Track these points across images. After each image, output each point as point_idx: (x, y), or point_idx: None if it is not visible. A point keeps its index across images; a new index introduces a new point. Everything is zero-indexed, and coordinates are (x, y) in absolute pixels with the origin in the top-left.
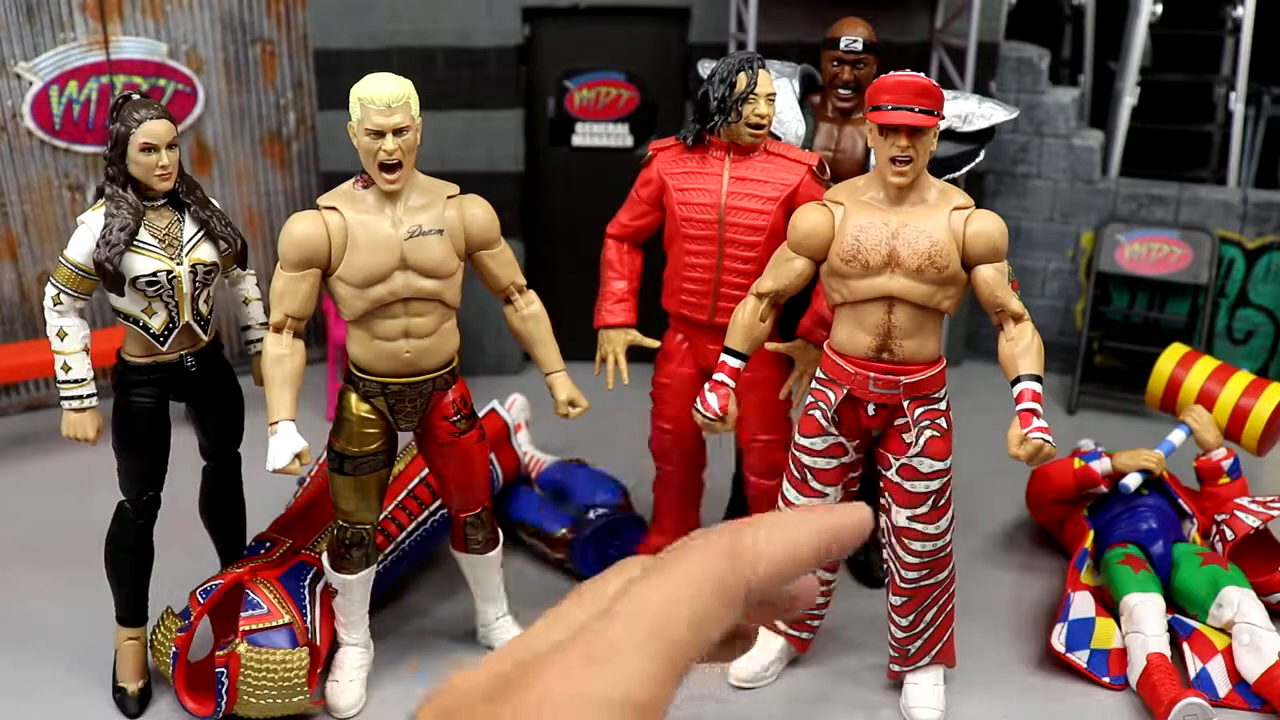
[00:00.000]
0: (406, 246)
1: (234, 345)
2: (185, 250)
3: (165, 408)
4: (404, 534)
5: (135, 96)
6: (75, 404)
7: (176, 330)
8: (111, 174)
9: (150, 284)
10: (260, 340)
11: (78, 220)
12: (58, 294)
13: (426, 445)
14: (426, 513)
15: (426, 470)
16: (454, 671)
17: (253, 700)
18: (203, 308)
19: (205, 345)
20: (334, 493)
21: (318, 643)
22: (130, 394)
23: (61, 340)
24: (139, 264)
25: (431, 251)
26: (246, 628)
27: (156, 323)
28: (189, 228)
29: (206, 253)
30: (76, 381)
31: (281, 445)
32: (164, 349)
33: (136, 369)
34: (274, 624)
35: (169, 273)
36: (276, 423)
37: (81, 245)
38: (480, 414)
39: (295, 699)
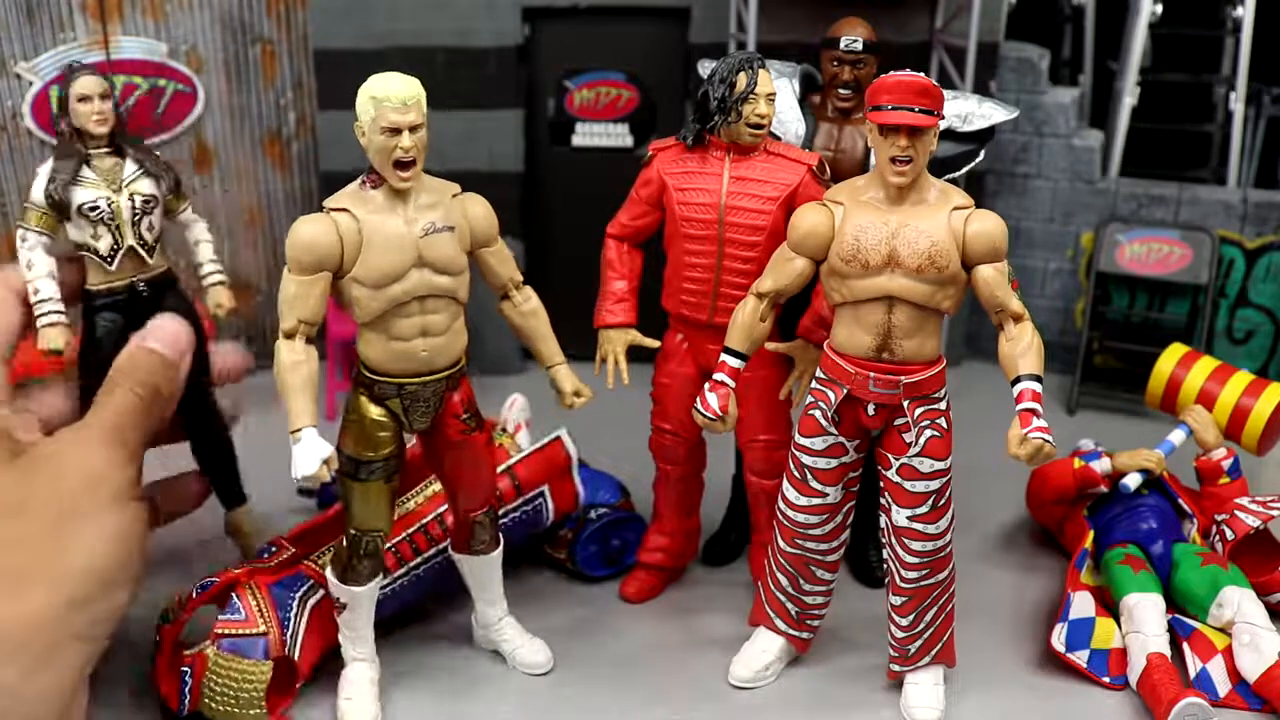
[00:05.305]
0: (422, 244)
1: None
2: (125, 184)
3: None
4: (418, 559)
5: (75, 66)
6: (46, 319)
7: (122, 252)
8: (61, 128)
9: (92, 209)
10: (214, 274)
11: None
12: (23, 232)
13: (436, 446)
14: (435, 549)
15: (441, 509)
16: None
17: (213, 705)
18: (146, 235)
19: (158, 275)
20: (345, 499)
21: (295, 657)
22: (94, 318)
23: (30, 270)
24: (81, 194)
25: (446, 248)
26: (220, 631)
27: (103, 246)
28: (129, 166)
29: (145, 186)
30: (44, 300)
31: (308, 452)
32: (113, 269)
33: (97, 295)
34: (248, 632)
35: (108, 199)
36: (299, 430)
37: (38, 186)
38: (544, 441)
39: (251, 713)
